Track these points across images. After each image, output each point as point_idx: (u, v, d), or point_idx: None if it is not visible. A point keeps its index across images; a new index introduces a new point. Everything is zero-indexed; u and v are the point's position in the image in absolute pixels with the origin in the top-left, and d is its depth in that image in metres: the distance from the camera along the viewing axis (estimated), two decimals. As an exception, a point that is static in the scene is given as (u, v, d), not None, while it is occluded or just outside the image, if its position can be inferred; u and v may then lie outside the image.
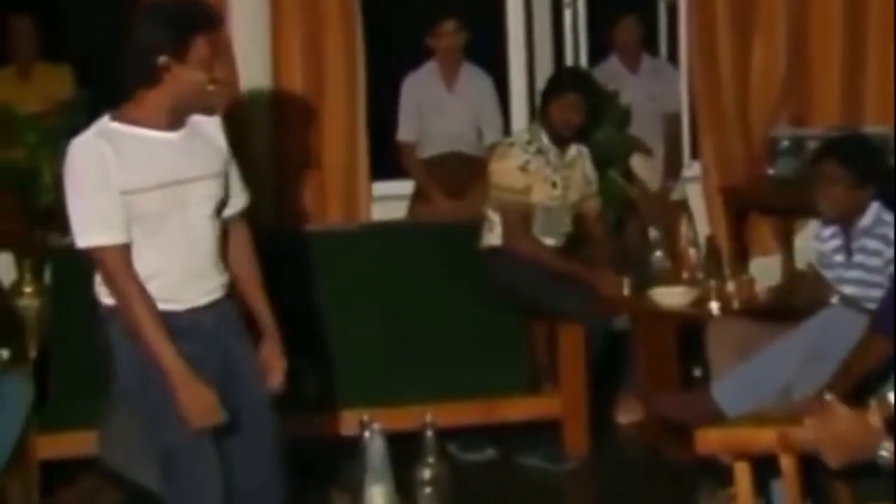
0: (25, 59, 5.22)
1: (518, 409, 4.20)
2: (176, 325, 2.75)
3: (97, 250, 2.69)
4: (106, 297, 2.77)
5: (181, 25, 2.65)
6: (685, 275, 4.44)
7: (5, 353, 3.90)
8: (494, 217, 4.43)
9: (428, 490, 3.39)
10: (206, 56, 2.68)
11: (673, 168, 5.43)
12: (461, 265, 4.50)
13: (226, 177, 2.84)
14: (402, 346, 4.41)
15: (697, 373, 4.19)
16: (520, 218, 4.36)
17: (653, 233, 4.79)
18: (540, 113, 4.57)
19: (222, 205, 2.85)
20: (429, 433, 3.48)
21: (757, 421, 2.65)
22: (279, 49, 4.92)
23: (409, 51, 5.44)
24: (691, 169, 5.45)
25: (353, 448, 3.49)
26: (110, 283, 2.72)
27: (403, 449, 3.46)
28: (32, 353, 4.04)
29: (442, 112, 5.25)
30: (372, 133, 5.09)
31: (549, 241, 4.43)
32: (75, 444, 3.86)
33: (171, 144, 2.74)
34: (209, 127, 2.84)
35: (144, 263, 2.73)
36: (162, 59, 2.65)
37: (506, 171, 4.38)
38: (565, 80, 4.63)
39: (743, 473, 2.40)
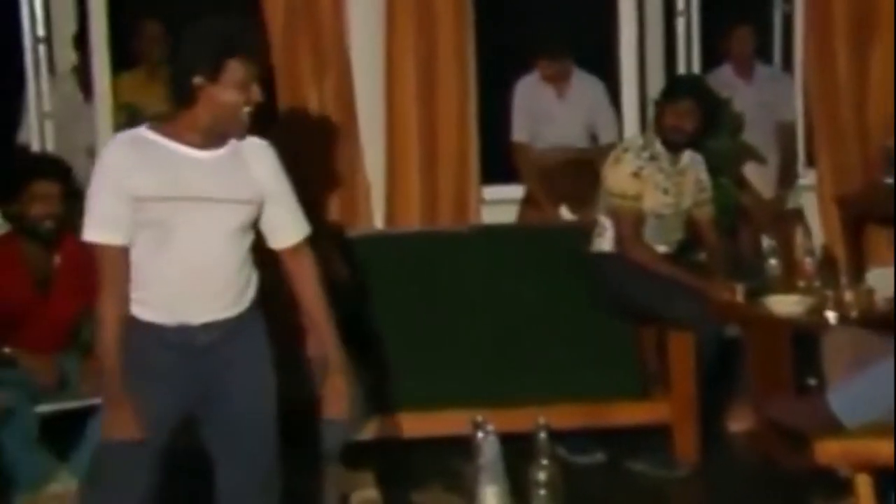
0: (153, 63, 5.38)
1: (628, 414, 4.22)
2: (161, 336, 2.78)
3: (97, 247, 2.77)
4: None
5: (217, 48, 2.70)
6: (800, 283, 4.39)
7: None
8: (605, 222, 4.45)
9: (543, 492, 3.39)
10: (240, 79, 2.71)
11: (786, 176, 5.38)
12: (570, 269, 4.52)
13: (260, 206, 2.82)
14: (511, 349, 4.45)
15: (811, 382, 4.14)
16: (632, 224, 4.37)
17: (765, 241, 4.75)
18: (654, 119, 4.57)
19: (246, 231, 2.83)
20: (542, 435, 3.49)
21: (879, 432, 2.60)
22: (393, 53, 5.01)
23: (520, 53, 5.48)
24: (806, 177, 5.39)
25: (459, 448, 3.53)
26: (100, 277, 2.78)
27: (509, 450, 3.49)
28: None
29: (552, 119, 5.28)
30: (483, 137, 5.14)
31: (661, 248, 4.43)
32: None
33: (199, 163, 2.76)
34: (254, 154, 2.83)
35: (148, 270, 2.77)
36: (197, 80, 2.70)
37: (619, 176, 4.39)
38: (680, 86, 4.63)
39: (864, 486, 2.38)
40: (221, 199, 2.77)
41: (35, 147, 5.03)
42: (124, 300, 2.77)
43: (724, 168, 4.91)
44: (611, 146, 4.87)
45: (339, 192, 5.00)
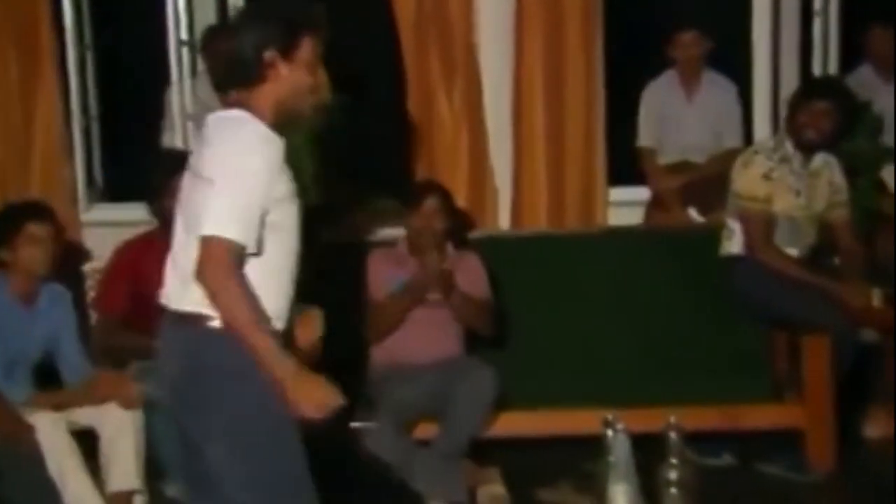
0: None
1: (760, 418, 4.17)
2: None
3: (232, 244, 2.47)
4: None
5: (293, 23, 2.50)
6: (941, 288, 4.30)
7: None
8: (733, 225, 4.41)
9: (674, 491, 3.40)
10: (311, 58, 2.52)
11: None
12: (699, 272, 4.50)
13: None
14: (640, 350, 4.46)
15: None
16: (762, 226, 4.32)
17: (904, 245, 4.64)
18: (786, 120, 4.51)
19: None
20: (673, 435, 3.49)
21: None
22: (521, 55, 5.02)
23: (650, 56, 5.45)
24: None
25: (587, 448, 3.54)
26: (227, 273, 2.47)
27: (638, 451, 3.49)
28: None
29: (680, 122, 5.24)
30: (610, 139, 5.13)
31: (793, 251, 4.37)
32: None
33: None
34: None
35: (272, 278, 2.56)
36: (269, 55, 2.48)
37: (748, 179, 4.35)
38: (814, 87, 4.57)
39: None
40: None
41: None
42: None
43: (862, 171, 4.81)
44: (733, 151, 4.82)
45: (467, 194, 5.05)
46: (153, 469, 3.84)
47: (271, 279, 2.53)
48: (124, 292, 4.06)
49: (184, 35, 5.15)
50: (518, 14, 5.01)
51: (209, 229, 2.45)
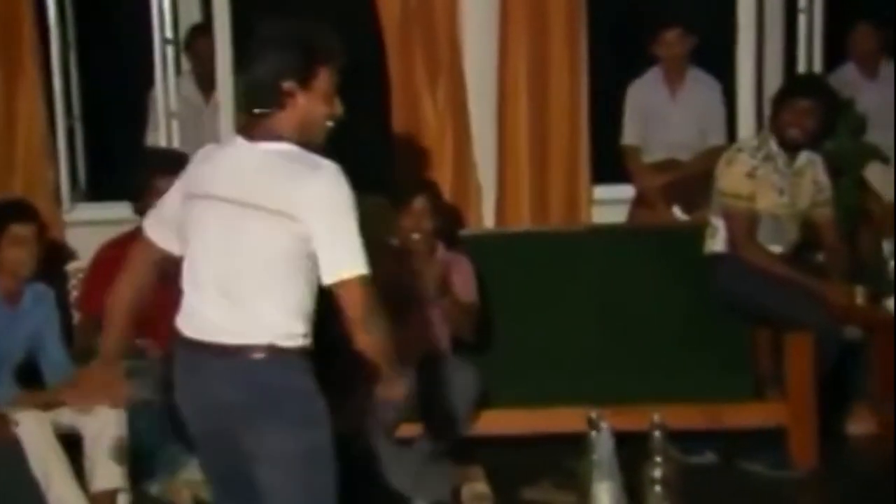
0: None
1: (743, 416, 4.19)
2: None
3: (366, 279, 2.60)
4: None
5: (310, 53, 2.56)
6: (923, 286, 4.31)
7: None
8: (717, 223, 4.42)
9: (657, 489, 3.41)
10: (327, 88, 2.58)
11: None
12: (683, 270, 4.51)
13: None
14: (624, 348, 4.46)
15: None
16: (745, 225, 4.34)
17: (886, 244, 4.66)
18: (770, 118, 4.53)
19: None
20: (657, 433, 3.50)
21: None
22: (505, 54, 5.02)
23: (634, 53, 5.46)
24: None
25: (570, 446, 3.54)
26: (369, 307, 2.61)
27: (622, 449, 3.49)
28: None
29: (665, 119, 5.25)
30: (594, 137, 5.14)
31: (776, 249, 4.39)
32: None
33: None
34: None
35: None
36: (287, 85, 2.55)
37: (732, 177, 4.36)
38: (798, 85, 4.58)
39: None
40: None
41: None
42: None
43: (845, 169, 4.82)
44: (718, 149, 4.83)
45: (451, 192, 5.05)
46: (137, 468, 3.83)
47: (313, 296, 2.62)
48: (107, 291, 4.04)
49: (168, 34, 5.13)
50: (503, 13, 5.01)
51: (347, 272, 2.54)
